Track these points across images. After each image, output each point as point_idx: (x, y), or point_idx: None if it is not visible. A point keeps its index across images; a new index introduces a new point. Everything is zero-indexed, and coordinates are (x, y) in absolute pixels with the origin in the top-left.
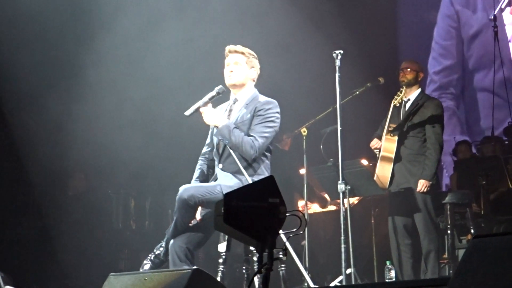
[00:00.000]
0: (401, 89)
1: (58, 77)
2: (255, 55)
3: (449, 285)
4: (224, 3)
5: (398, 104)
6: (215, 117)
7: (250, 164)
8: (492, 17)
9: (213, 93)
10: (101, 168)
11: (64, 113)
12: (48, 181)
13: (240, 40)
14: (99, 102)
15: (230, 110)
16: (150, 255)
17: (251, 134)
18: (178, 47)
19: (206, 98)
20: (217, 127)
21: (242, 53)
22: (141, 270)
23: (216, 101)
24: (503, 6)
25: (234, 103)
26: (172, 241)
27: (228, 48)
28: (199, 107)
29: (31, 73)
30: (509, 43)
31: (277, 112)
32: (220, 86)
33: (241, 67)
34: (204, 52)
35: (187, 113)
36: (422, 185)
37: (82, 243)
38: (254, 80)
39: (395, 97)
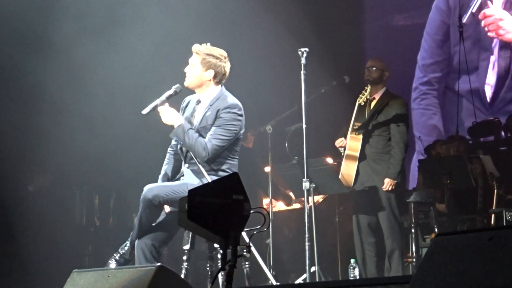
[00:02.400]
0: (366, 87)
1: (21, 71)
2: (218, 55)
3: (411, 283)
4: (185, 5)
5: (363, 103)
6: (171, 116)
7: (217, 165)
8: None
9: (170, 91)
10: (65, 163)
11: (28, 107)
12: (11, 176)
13: (205, 38)
14: (63, 97)
15: (194, 111)
16: (115, 254)
17: (208, 135)
18: (140, 45)
19: (163, 97)
20: (173, 126)
21: (197, 53)
22: (106, 267)
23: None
24: (474, 10)
25: (198, 104)
26: (138, 235)
27: (192, 48)
28: (156, 106)
29: None
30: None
31: (239, 115)
32: (177, 85)
33: (194, 69)
34: (168, 49)
35: (144, 111)
36: (387, 183)
37: (45, 239)
38: (216, 82)
39: (360, 95)
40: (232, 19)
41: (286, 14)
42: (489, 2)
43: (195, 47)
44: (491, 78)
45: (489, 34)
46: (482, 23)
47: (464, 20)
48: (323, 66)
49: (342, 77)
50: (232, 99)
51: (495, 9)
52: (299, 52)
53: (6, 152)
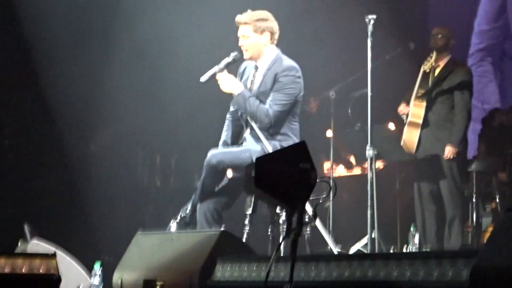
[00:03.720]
0: (431, 54)
1: (92, 33)
2: (265, 16)
3: (479, 257)
4: None
5: (428, 70)
6: (231, 84)
7: (277, 129)
8: None
9: (229, 59)
10: (127, 123)
11: (93, 69)
12: (75, 135)
13: (265, 2)
14: (126, 60)
15: (253, 78)
16: (176, 216)
17: (268, 101)
18: (202, 11)
19: (221, 65)
20: (233, 95)
21: (246, 23)
22: (168, 230)
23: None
24: None
25: (256, 70)
26: (200, 199)
27: (236, 20)
28: (215, 73)
29: (63, 28)
30: None
31: (298, 77)
32: (235, 53)
33: (250, 39)
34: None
35: (203, 79)
36: (448, 151)
37: (108, 198)
38: (272, 43)
39: (425, 62)
40: None
41: None
42: None
43: (241, 18)
44: None
45: None
46: None
47: None
48: (388, 32)
49: (407, 44)
50: (288, 62)
51: None
52: (366, 20)
53: (69, 109)
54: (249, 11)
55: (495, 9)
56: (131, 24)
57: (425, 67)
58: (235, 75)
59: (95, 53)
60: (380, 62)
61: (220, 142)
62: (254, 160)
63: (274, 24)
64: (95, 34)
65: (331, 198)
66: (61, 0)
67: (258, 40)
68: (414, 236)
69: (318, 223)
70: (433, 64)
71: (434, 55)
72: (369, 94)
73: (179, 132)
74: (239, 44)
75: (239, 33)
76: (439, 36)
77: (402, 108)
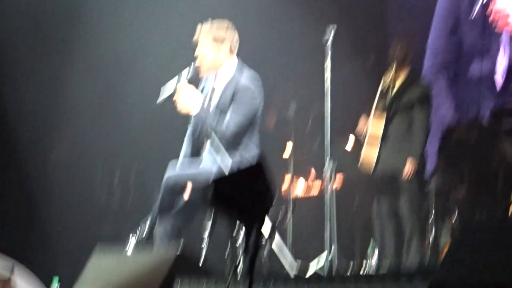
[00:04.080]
0: (390, 67)
1: (49, 45)
2: (224, 26)
3: (435, 275)
4: None
5: (386, 83)
6: (191, 99)
7: (238, 142)
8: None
9: (187, 71)
10: (86, 139)
11: (52, 83)
12: (33, 150)
13: (225, 12)
14: (86, 74)
15: (213, 89)
16: (134, 236)
17: (226, 121)
18: (161, 23)
19: (180, 77)
20: (192, 110)
21: (205, 33)
22: (126, 249)
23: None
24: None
25: (216, 80)
26: (158, 219)
27: (196, 31)
28: (175, 89)
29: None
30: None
31: (257, 91)
32: (193, 64)
33: (208, 50)
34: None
35: (163, 96)
36: (409, 164)
37: (66, 214)
38: (231, 53)
39: (384, 75)
40: None
41: None
42: None
43: (200, 28)
44: (502, 63)
45: (497, 29)
46: (490, 18)
47: (472, 17)
48: (349, 43)
49: (368, 54)
50: (249, 72)
51: (504, 4)
52: (327, 29)
53: (27, 124)
54: (209, 20)
55: (448, 27)
56: (89, 39)
57: (384, 80)
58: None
59: (53, 68)
60: (340, 73)
61: (181, 155)
62: (212, 180)
63: (232, 33)
64: (52, 49)
65: (289, 218)
66: (18, 13)
67: (217, 52)
68: (373, 252)
69: (275, 245)
70: (392, 76)
71: (393, 68)
72: (329, 106)
73: (138, 148)
74: (196, 53)
75: (198, 46)
76: (397, 49)
77: (362, 122)
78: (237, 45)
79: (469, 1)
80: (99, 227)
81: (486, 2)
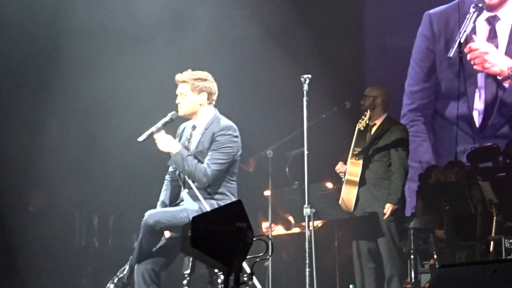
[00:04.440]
0: (365, 113)
1: (24, 94)
2: (204, 77)
3: None
4: (188, 26)
5: (362, 128)
6: (168, 143)
7: (215, 189)
8: (451, 54)
9: (166, 119)
10: (65, 185)
11: (29, 130)
12: (11, 196)
13: (206, 63)
14: (63, 121)
15: (190, 137)
16: (113, 278)
17: (206, 161)
18: (140, 72)
19: (159, 124)
20: (171, 154)
21: (185, 81)
22: None
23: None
24: (461, 40)
25: (193, 129)
26: (137, 260)
27: (175, 78)
28: (152, 133)
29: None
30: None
31: (235, 137)
32: (173, 112)
33: (187, 97)
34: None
35: (140, 139)
36: (388, 208)
37: (44, 259)
38: (209, 103)
39: (360, 121)
40: (236, 45)
41: (288, 40)
42: (473, 35)
43: (180, 77)
44: (478, 105)
45: (475, 67)
46: (468, 57)
47: (450, 55)
48: (324, 91)
49: (343, 102)
50: (226, 121)
51: (480, 43)
52: (302, 79)
53: (8, 171)
54: (189, 70)
55: (425, 70)
56: (71, 81)
57: (360, 125)
58: (174, 136)
59: (31, 113)
60: (316, 121)
61: (159, 203)
62: (191, 220)
63: (212, 85)
64: (29, 94)
65: (268, 256)
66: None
67: (195, 99)
68: None
69: (255, 281)
70: (368, 122)
71: (368, 113)
72: (306, 152)
73: (116, 193)
74: (176, 101)
75: (177, 91)
76: (369, 96)
77: (339, 167)
78: (215, 97)
79: (445, 44)
80: (79, 274)
81: (463, 41)
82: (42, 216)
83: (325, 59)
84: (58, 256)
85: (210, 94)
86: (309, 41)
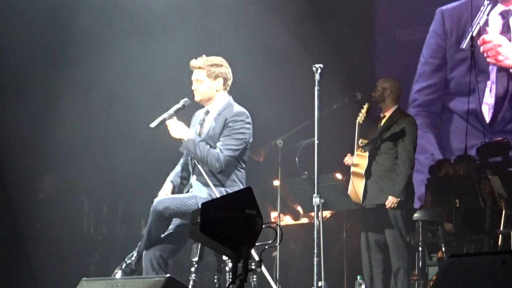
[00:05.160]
0: (363, 106)
1: (35, 79)
2: (219, 62)
3: None
4: (203, 12)
5: (361, 122)
6: (180, 130)
7: (225, 175)
8: (463, 45)
9: (178, 105)
10: (74, 171)
11: (39, 116)
12: (21, 182)
13: (220, 50)
14: (74, 107)
15: (203, 122)
16: (121, 263)
17: (218, 146)
18: (154, 58)
19: (171, 111)
20: (183, 140)
21: (201, 67)
22: (114, 276)
23: (191, 111)
24: (474, 34)
25: (206, 114)
26: (146, 246)
27: (191, 64)
28: (164, 119)
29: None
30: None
31: (247, 123)
32: (185, 99)
33: (203, 83)
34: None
35: (152, 125)
36: (389, 201)
37: (53, 246)
38: (224, 89)
39: (359, 114)
40: (249, 34)
41: (302, 30)
42: (487, 28)
43: (195, 63)
44: (489, 99)
45: (488, 60)
46: (481, 49)
47: (463, 46)
48: (336, 82)
49: (354, 93)
50: (239, 108)
51: (494, 35)
52: (314, 68)
53: (18, 158)
54: (203, 56)
55: (433, 67)
56: (79, 68)
57: (358, 119)
58: (185, 123)
59: (41, 99)
60: (327, 111)
61: (168, 179)
62: (200, 206)
63: (227, 71)
64: (40, 79)
65: (277, 244)
66: (6, 36)
67: (211, 85)
68: (360, 285)
69: (264, 270)
70: (365, 116)
71: (365, 107)
72: (316, 142)
73: (125, 180)
74: (192, 87)
75: (193, 77)
76: (379, 87)
77: (347, 159)
78: (230, 82)
79: (456, 40)
80: (87, 261)
81: (475, 34)
82: (52, 202)
83: (337, 50)
84: (66, 243)
85: (225, 80)
86: (321, 32)
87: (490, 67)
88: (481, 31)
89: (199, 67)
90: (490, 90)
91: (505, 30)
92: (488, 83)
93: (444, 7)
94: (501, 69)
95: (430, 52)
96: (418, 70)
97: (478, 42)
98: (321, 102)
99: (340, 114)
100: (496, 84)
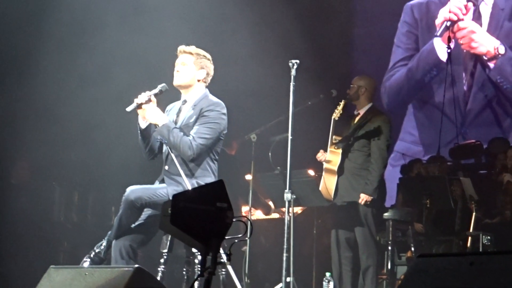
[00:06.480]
0: (339, 103)
1: (9, 65)
2: (208, 57)
3: None
4: (182, 6)
5: (337, 118)
6: (156, 115)
7: (197, 165)
8: (438, 33)
9: (155, 90)
10: (47, 158)
11: (13, 101)
12: None
13: (195, 43)
14: (47, 93)
15: (179, 111)
16: (90, 252)
17: (192, 134)
18: (130, 47)
19: (147, 95)
20: (157, 125)
21: (191, 53)
22: (82, 265)
23: (167, 101)
24: (448, 24)
25: (183, 104)
26: (116, 236)
27: (179, 48)
28: (141, 104)
29: None
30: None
31: (223, 114)
32: (163, 84)
33: (187, 67)
34: (157, 53)
35: (129, 109)
36: (362, 199)
37: (22, 233)
38: (204, 81)
39: (335, 110)
40: (224, 26)
41: (279, 25)
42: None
43: (185, 48)
44: (462, 86)
45: (462, 46)
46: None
47: (438, 34)
48: (312, 78)
49: (329, 90)
50: (215, 99)
51: (468, 22)
52: (290, 64)
53: None
54: (193, 46)
55: (405, 50)
56: (56, 49)
57: (334, 115)
58: (161, 109)
59: (16, 82)
60: (302, 107)
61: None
62: (171, 197)
63: (212, 67)
64: (17, 62)
65: (247, 238)
66: None
67: (195, 73)
68: (329, 282)
69: (229, 268)
70: (341, 112)
71: (342, 104)
72: (290, 138)
73: (98, 168)
74: (175, 70)
75: (178, 61)
76: (354, 85)
77: (319, 155)
78: (209, 79)
79: (427, 27)
80: (56, 249)
81: (450, 24)
82: (24, 189)
83: (314, 46)
84: (37, 230)
85: (208, 74)
86: (299, 28)
87: (464, 53)
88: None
89: (189, 52)
90: (464, 77)
91: (476, 17)
92: (462, 70)
93: (411, 2)
94: (474, 55)
95: (402, 38)
96: (392, 59)
97: (453, 29)
98: (296, 98)
99: (314, 111)
100: (470, 70)
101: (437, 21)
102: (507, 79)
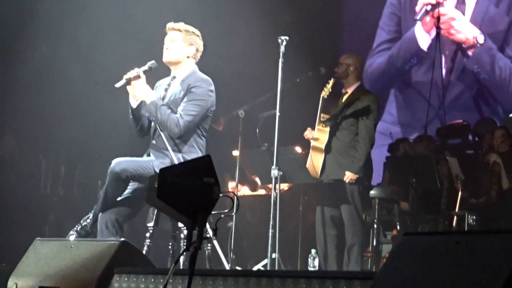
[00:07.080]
0: (329, 81)
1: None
2: (197, 33)
3: (375, 280)
4: None
5: (326, 96)
6: (145, 91)
7: (184, 141)
8: (418, 17)
9: (145, 67)
10: (33, 132)
11: (0, 75)
12: None
13: (185, 18)
14: (36, 67)
15: (168, 87)
16: (76, 226)
17: (179, 111)
18: (120, 23)
19: (136, 71)
20: (145, 102)
21: (179, 30)
22: (68, 238)
23: (157, 78)
24: (428, 9)
25: (172, 79)
26: (102, 209)
27: (168, 25)
28: (130, 79)
29: None
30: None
31: (210, 91)
32: (152, 61)
33: (176, 44)
34: (147, 29)
35: (118, 85)
36: (347, 177)
37: (10, 205)
38: (194, 58)
39: (324, 88)
40: (215, 4)
41: (269, 1)
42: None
43: (173, 25)
44: (441, 72)
45: (441, 32)
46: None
47: (417, 17)
48: (300, 55)
49: (318, 68)
50: (203, 76)
51: (449, 8)
52: (279, 40)
53: None
54: (182, 23)
55: (389, 34)
56: (46, 24)
57: (323, 93)
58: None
59: (3, 55)
60: (290, 84)
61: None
62: (158, 171)
63: (201, 44)
64: (5, 33)
65: (233, 213)
66: None
67: (184, 50)
68: (314, 259)
69: (215, 243)
70: (331, 90)
71: (331, 82)
72: (278, 115)
73: (84, 142)
74: (164, 47)
75: (167, 38)
76: (343, 63)
77: (307, 132)
78: (199, 55)
79: (410, 10)
80: (42, 222)
81: (430, 9)
82: (10, 162)
83: (304, 23)
84: (22, 203)
85: (197, 50)
86: (288, 4)
87: (444, 39)
88: (437, 5)
89: (178, 29)
90: (444, 63)
91: (460, 3)
92: (442, 55)
93: None
94: (454, 42)
95: (386, 19)
96: (376, 41)
97: (434, 14)
98: (285, 75)
99: (303, 88)
100: (449, 57)
101: (417, 7)
102: (484, 69)
